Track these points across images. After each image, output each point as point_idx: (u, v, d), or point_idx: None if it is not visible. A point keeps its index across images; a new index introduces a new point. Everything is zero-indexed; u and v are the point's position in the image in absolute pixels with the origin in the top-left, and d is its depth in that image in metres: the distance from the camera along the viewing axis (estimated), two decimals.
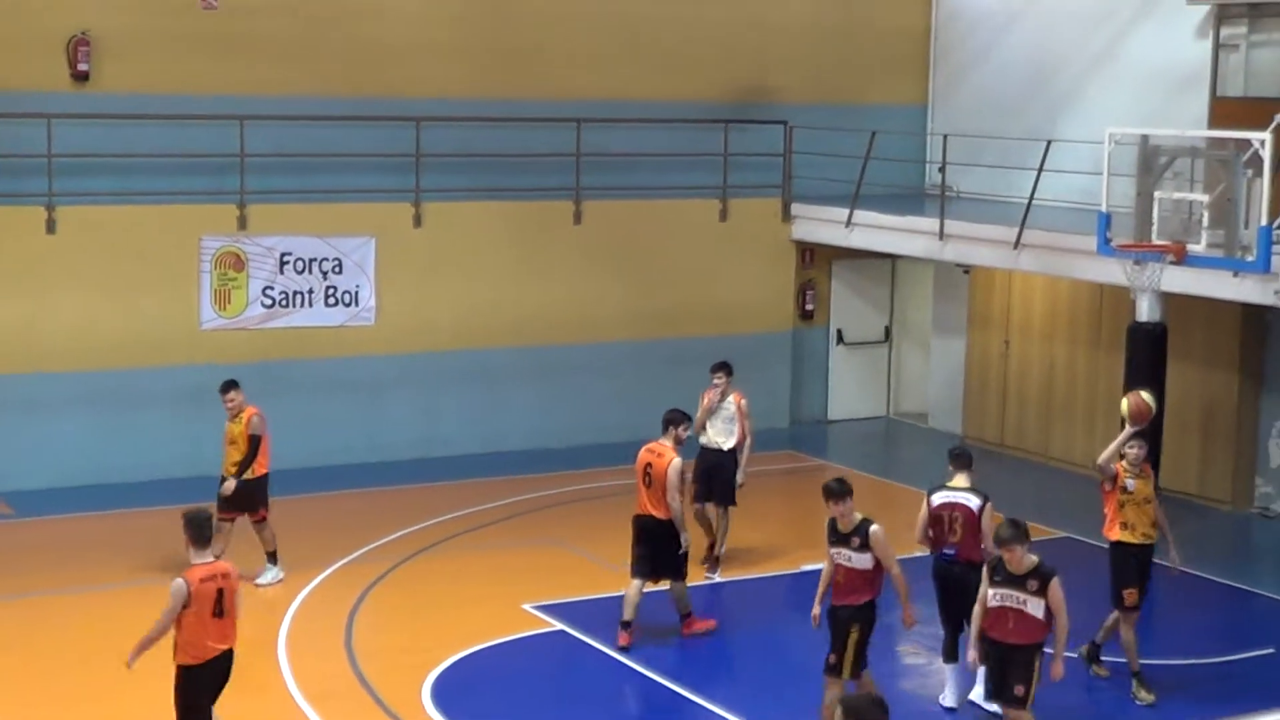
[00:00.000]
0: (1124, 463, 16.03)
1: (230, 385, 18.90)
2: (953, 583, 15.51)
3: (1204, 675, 16.75)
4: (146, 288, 23.38)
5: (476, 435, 25.58)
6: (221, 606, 12.84)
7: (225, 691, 13.11)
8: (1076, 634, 17.61)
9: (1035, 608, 13.52)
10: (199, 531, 12.95)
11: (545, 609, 18.12)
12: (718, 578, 19.48)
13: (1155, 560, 16.27)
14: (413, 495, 23.12)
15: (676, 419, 17.60)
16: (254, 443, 18.71)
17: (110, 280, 23.20)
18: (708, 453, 19.68)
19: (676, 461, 17.18)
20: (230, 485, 18.56)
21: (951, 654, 15.64)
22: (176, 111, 23.66)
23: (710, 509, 19.78)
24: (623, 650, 16.88)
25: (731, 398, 19.65)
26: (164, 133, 23.67)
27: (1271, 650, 17.51)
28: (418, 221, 25.01)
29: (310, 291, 24.35)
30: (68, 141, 22.95)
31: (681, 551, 17.15)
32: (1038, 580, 13.49)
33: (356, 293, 24.65)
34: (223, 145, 23.75)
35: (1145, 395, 16.56)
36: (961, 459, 16.03)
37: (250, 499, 18.79)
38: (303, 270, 24.27)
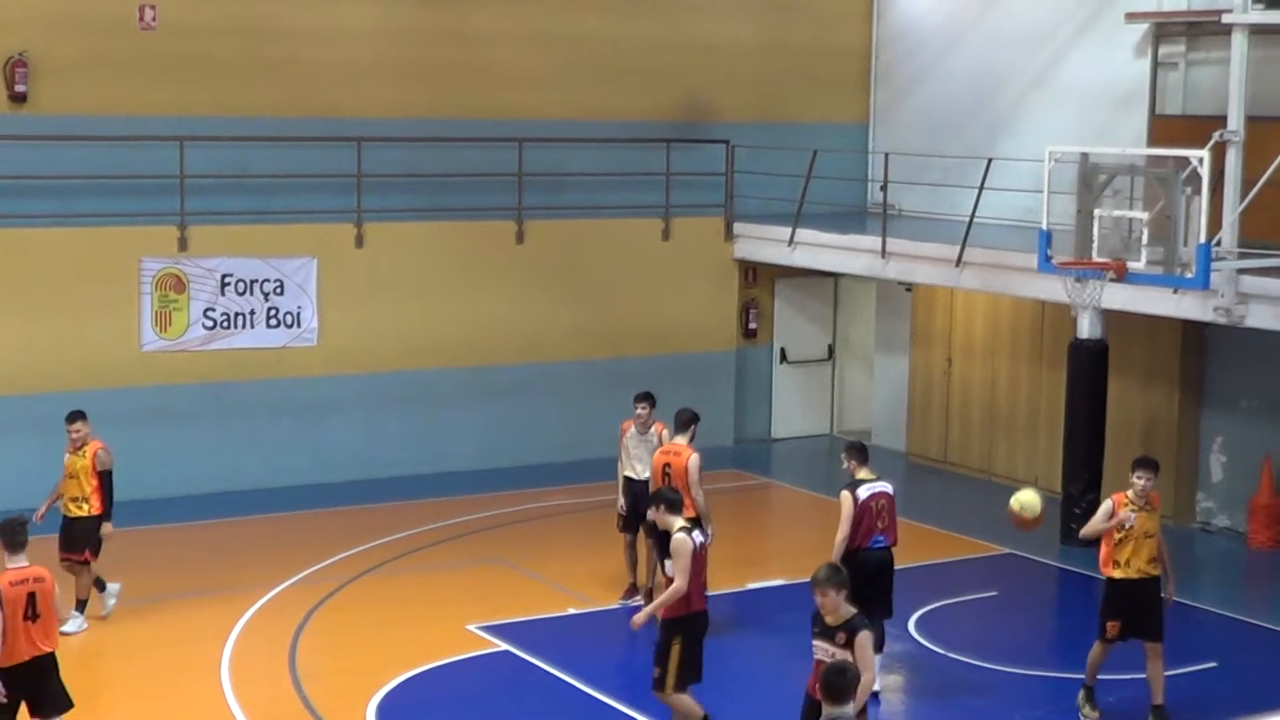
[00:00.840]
0: (1129, 494, 15.55)
1: (76, 416, 18.20)
2: (886, 568, 16.14)
3: (1149, 691, 16.79)
4: (86, 310, 23.21)
5: (420, 456, 25.50)
6: (34, 609, 13.10)
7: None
8: (1027, 656, 17.73)
9: None
10: (12, 537, 13.36)
11: (490, 629, 18.06)
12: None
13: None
14: (356, 516, 23.03)
15: (695, 417, 18.16)
16: (106, 479, 18.00)
17: (50, 303, 23.03)
18: (634, 483, 18.91)
19: (695, 457, 17.66)
20: (109, 528, 17.97)
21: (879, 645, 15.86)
22: (115, 133, 23.52)
23: (641, 541, 19.10)
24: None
25: (654, 428, 18.93)
26: (103, 154, 23.52)
27: (1215, 664, 17.59)
28: (360, 242, 24.93)
29: (252, 313, 24.24)
30: (5, 163, 22.82)
31: (704, 542, 17.21)
32: (845, 633, 12.50)
33: (298, 314, 24.55)
34: (162, 166, 23.62)
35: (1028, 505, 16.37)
36: (862, 452, 16.47)
37: (83, 538, 18.05)
38: (244, 291, 24.16)
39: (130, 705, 16.04)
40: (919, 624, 18.62)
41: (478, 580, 20.19)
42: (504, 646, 17.62)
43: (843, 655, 12.35)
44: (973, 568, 21.26)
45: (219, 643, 17.58)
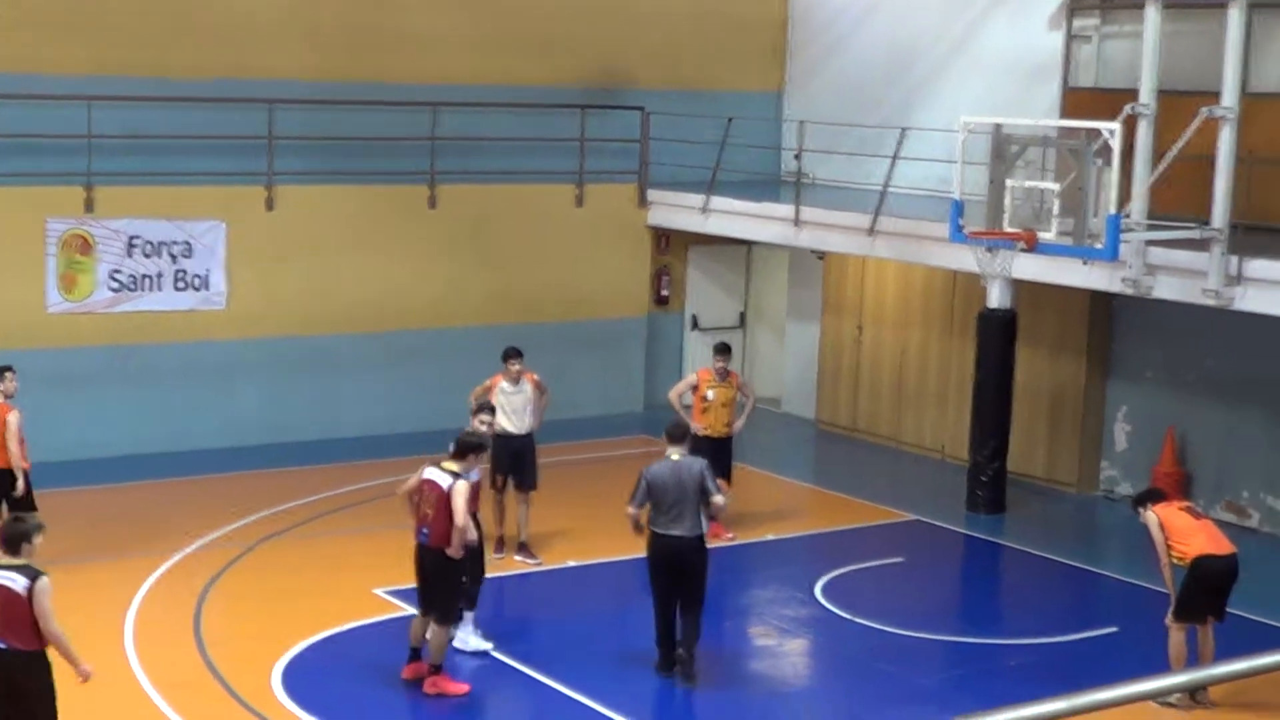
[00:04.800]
0: None
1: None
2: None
3: (1049, 655, 16.94)
4: None
5: (328, 420, 25.36)
6: None
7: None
8: (933, 621, 17.83)
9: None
10: None
11: (397, 594, 17.99)
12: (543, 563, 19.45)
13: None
14: (263, 480, 22.89)
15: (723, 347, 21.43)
16: None
17: None
18: (509, 439, 19.48)
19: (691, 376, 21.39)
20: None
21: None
22: (21, 91, 23.22)
23: (510, 495, 19.74)
24: None
25: (525, 380, 19.75)
26: (8, 113, 23.20)
27: (1115, 629, 17.77)
28: (270, 205, 24.74)
29: (159, 275, 24.00)
30: None
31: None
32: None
33: (207, 277, 24.34)
34: (69, 126, 23.32)
35: None
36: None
37: None
38: (151, 254, 23.92)
39: None
40: (825, 589, 18.70)
41: (385, 545, 20.05)
42: (411, 611, 17.51)
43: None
44: (879, 534, 21.37)
45: (123, 607, 17.43)
